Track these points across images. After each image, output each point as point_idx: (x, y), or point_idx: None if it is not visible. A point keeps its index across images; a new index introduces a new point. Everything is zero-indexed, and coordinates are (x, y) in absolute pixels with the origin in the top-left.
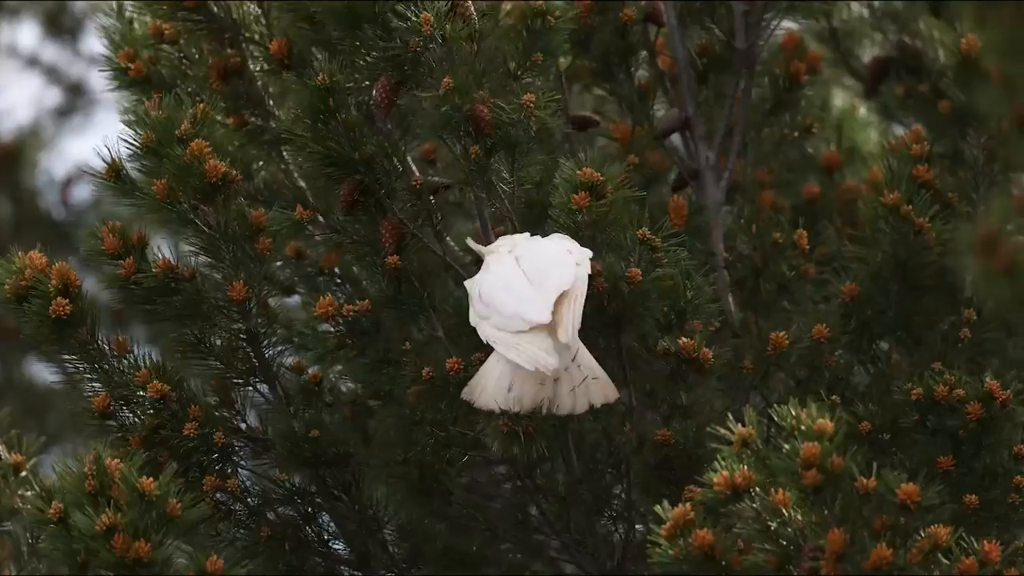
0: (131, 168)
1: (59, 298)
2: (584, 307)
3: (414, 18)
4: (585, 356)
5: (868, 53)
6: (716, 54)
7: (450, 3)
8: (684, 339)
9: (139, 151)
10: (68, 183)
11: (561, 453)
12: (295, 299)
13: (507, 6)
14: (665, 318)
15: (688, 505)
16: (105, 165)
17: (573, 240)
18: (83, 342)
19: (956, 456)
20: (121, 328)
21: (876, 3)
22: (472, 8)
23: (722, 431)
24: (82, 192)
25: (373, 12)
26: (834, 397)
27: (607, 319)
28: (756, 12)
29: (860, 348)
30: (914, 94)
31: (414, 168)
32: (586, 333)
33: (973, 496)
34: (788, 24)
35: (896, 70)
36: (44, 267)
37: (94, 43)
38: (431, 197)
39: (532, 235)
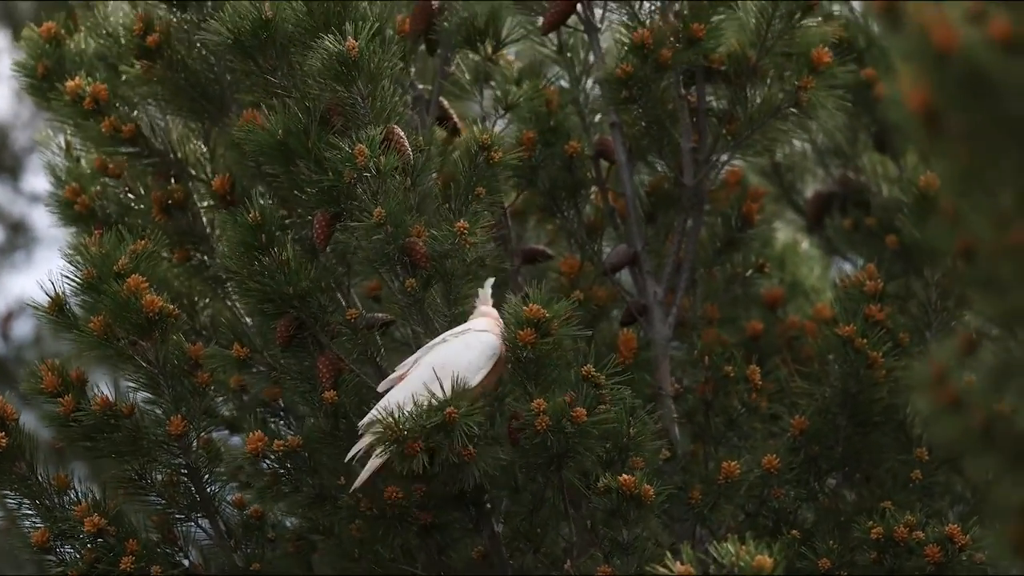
0: (74, 303)
1: None
2: (525, 442)
3: (348, 149)
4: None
5: (810, 188)
6: (664, 190)
7: (384, 135)
8: (625, 476)
9: (80, 287)
10: (8, 317)
11: None
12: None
13: (456, 140)
14: (607, 454)
15: None
16: (48, 300)
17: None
18: (22, 476)
19: None
20: (62, 464)
21: (819, 138)
22: (406, 141)
23: (661, 570)
24: (23, 327)
25: (306, 148)
26: (793, 531)
27: (549, 455)
28: (704, 149)
29: (807, 483)
30: (860, 228)
31: (357, 303)
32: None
33: None
34: (735, 161)
35: (840, 204)
36: None
37: (34, 181)
38: (374, 332)
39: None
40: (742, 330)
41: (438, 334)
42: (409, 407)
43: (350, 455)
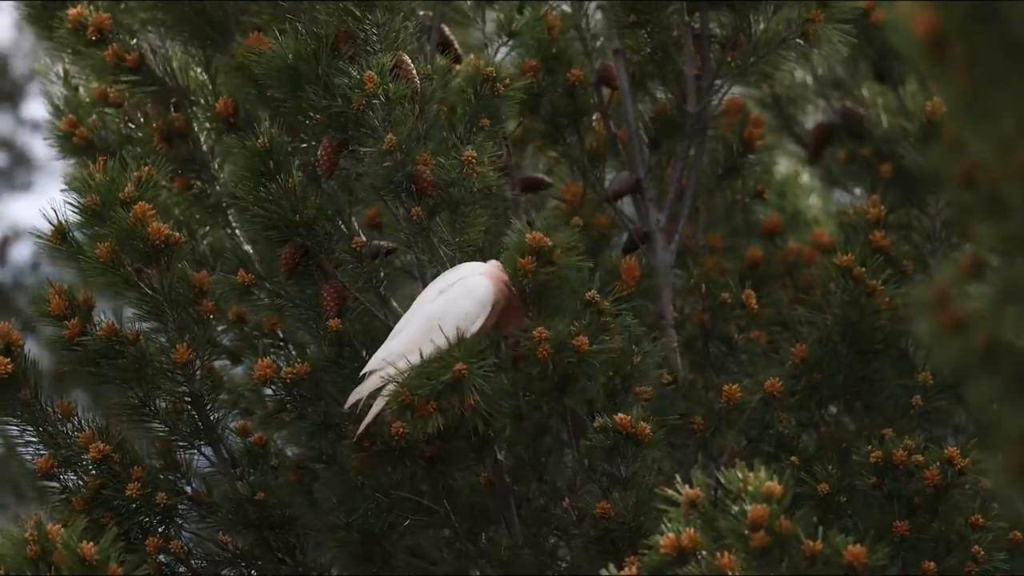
0: (76, 232)
1: (0, 357)
2: (528, 371)
3: (357, 75)
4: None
5: (811, 119)
6: (668, 117)
7: (393, 63)
8: (620, 415)
9: (83, 214)
10: (6, 241)
11: (503, 517)
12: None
13: (457, 68)
14: (610, 382)
15: (635, 567)
16: (51, 228)
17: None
18: (26, 403)
19: (912, 521)
20: (62, 392)
21: (819, 69)
22: (414, 70)
23: (669, 492)
24: (22, 253)
25: (315, 73)
26: (793, 458)
27: (552, 383)
28: (707, 76)
29: (808, 410)
30: (856, 158)
31: (359, 230)
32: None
33: (931, 563)
34: (737, 89)
35: (839, 136)
36: None
37: (35, 108)
38: (375, 260)
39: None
40: (742, 258)
41: (443, 262)
42: (414, 358)
43: (350, 402)
